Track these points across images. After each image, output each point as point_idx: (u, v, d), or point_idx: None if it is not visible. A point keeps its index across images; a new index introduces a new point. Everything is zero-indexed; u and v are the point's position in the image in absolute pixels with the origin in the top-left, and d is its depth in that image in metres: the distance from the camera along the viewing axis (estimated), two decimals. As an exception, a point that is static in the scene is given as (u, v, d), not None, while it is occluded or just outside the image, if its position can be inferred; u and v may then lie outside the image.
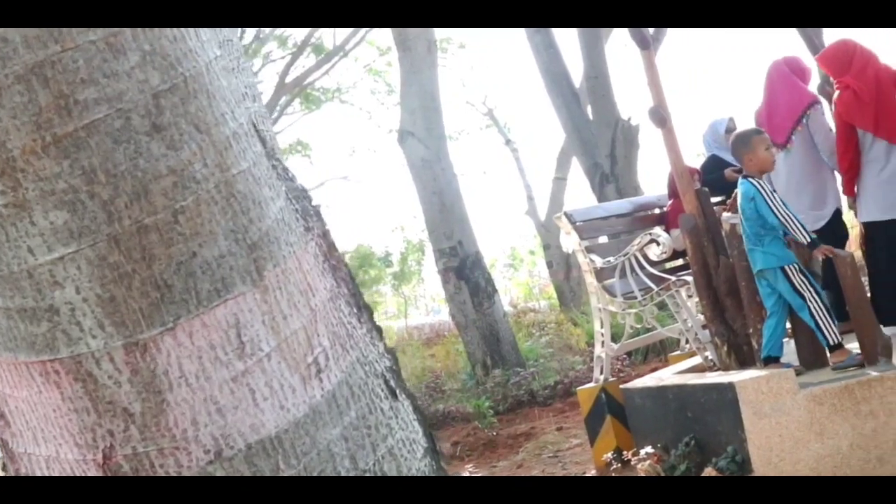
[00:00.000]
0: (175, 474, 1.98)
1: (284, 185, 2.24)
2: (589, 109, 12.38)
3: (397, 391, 2.32)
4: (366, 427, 2.19)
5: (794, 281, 4.55)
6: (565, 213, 5.98)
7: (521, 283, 24.81)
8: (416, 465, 2.29)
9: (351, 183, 26.91)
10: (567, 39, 12.37)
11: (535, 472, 6.40)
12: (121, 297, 1.89)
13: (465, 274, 9.74)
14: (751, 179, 4.68)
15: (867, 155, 5.31)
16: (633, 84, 28.93)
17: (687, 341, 6.14)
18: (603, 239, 6.20)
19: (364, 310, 2.36)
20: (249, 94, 2.35)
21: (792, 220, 4.49)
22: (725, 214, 5.47)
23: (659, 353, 8.57)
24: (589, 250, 5.93)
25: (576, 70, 13.11)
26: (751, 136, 4.84)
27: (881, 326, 4.76)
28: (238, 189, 2.01)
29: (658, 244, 5.67)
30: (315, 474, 2.07)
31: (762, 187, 4.62)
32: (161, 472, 1.98)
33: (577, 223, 5.96)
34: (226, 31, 2.30)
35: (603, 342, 5.94)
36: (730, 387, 4.50)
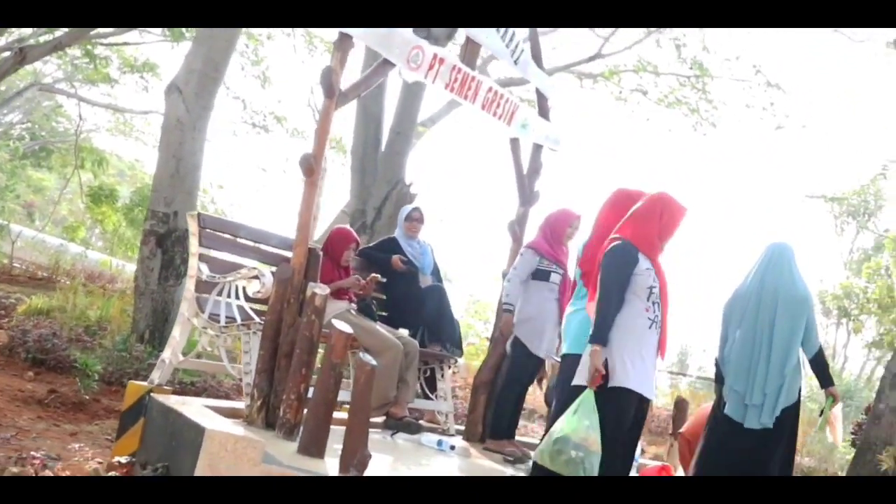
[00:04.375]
0: None
1: None
2: (379, 158, 12.38)
3: None
4: None
5: None
6: (199, 214, 5.87)
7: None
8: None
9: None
10: (395, 85, 12.36)
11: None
12: None
13: (166, 245, 9.47)
14: None
15: None
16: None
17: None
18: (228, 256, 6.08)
19: None
20: None
21: None
22: None
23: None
24: (203, 258, 5.82)
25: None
26: None
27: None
28: None
29: (260, 282, 5.62)
30: None
31: None
32: None
33: (206, 229, 5.85)
34: None
35: (173, 348, 5.82)
36: (201, 431, 4.44)
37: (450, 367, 7.14)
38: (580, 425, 4.65)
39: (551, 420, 5.36)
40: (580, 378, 4.87)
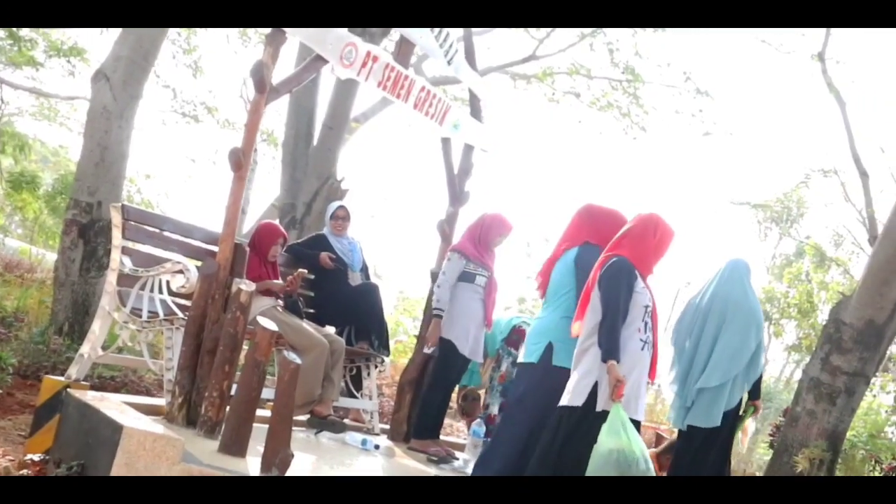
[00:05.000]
0: None
1: None
2: (310, 153, 12.26)
3: None
4: None
5: None
6: (123, 206, 5.75)
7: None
8: None
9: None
10: (329, 80, 12.26)
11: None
12: None
13: (89, 236, 9.24)
14: None
15: None
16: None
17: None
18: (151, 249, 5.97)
19: None
20: None
21: None
22: None
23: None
24: (126, 251, 5.70)
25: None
26: None
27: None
28: None
29: (185, 276, 5.52)
30: None
31: None
32: None
33: (130, 221, 5.73)
34: None
35: (92, 343, 5.69)
36: (119, 428, 4.34)
37: (376, 366, 7.10)
38: (626, 439, 4.50)
39: (497, 430, 5.28)
40: (574, 398, 4.72)
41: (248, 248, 5.55)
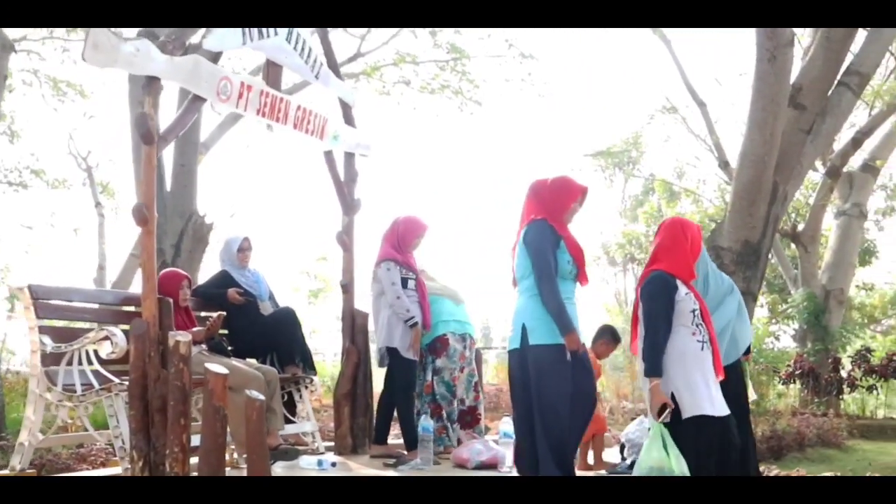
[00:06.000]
0: None
1: None
2: (166, 195, 12.02)
3: None
4: None
5: None
6: (29, 287, 5.58)
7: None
8: None
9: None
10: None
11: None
12: None
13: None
14: None
15: None
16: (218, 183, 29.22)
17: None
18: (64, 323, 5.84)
19: None
20: None
21: None
22: None
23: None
24: (43, 330, 5.56)
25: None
26: None
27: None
28: None
29: (112, 342, 5.44)
30: None
31: None
32: None
33: (39, 300, 5.58)
34: None
35: (29, 429, 5.53)
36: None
37: (307, 387, 7.14)
38: (667, 457, 4.52)
39: (519, 424, 5.22)
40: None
41: (171, 301, 5.48)
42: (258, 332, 6.95)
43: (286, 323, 7.09)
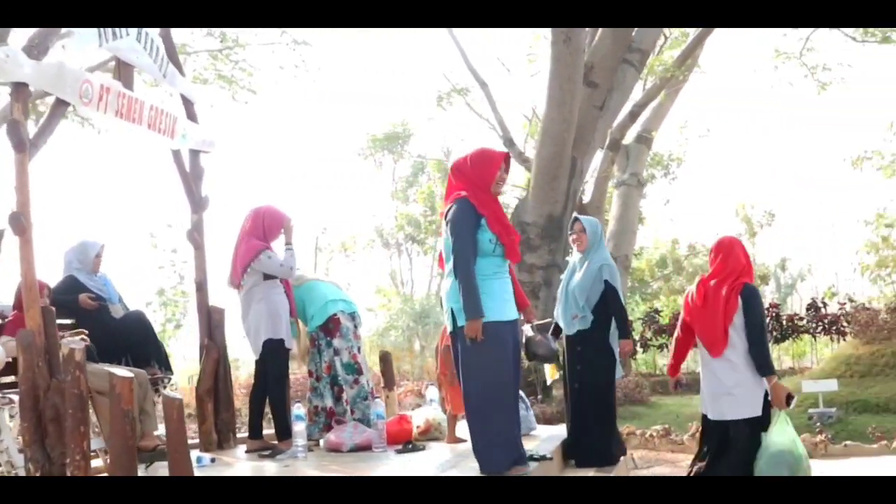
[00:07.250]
0: None
1: None
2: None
3: None
4: None
5: None
6: None
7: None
8: None
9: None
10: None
11: None
12: None
13: None
14: None
15: None
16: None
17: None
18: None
19: None
20: None
21: None
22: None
23: None
24: None
25: None
26: None
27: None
28: None
29: (-12, 356, 5.29)
30: None
31: None
32: None
33: None
34: None
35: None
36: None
37: (165, 386, 7.12)
38: (792, 440, 5.46)
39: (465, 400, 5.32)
40: (755, 409, 5.63)
41: (54, 309, 5.39)
42: (111, 335, 6.85)
43: (138, 325, 7.05)
